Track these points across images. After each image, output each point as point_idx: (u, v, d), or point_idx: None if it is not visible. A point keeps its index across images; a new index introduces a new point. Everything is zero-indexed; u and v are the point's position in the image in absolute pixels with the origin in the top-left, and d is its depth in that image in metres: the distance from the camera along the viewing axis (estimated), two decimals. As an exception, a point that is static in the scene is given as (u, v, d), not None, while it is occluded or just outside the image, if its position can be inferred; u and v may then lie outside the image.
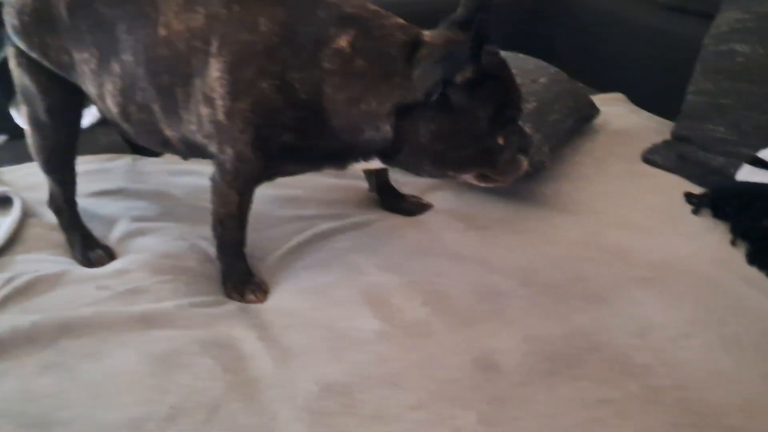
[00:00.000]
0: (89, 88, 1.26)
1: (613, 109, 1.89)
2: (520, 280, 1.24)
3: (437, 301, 1.19)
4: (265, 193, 1.29)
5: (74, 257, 1.33)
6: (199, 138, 1.20)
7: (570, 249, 1.34)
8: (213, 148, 1.19)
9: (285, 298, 1.22)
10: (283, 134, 1.14)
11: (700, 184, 1.53)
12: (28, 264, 1.28)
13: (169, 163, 1.64)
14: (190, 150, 1.26)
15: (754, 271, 1.26)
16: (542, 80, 1.61)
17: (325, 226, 1.40)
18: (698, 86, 1.65)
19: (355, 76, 1.10)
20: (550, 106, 1.55)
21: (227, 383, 1.02)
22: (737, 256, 1.30)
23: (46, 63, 1.26)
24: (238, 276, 1.24)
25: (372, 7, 1.17)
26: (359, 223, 1.42)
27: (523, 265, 1.28)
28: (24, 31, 1.24)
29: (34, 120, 1.30)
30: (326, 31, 1.11)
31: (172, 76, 1.16)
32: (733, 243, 1.33)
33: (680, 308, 1.17)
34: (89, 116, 1.44)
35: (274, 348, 1.09)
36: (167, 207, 1.48)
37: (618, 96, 2.00)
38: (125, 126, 1.27)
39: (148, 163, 1.64)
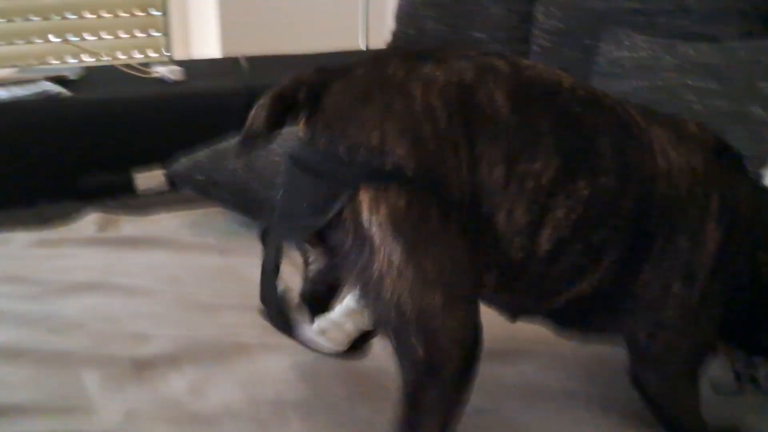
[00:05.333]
0: (505, 215, 0.78)
1: None
2: None
3: None
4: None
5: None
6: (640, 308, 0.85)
7: None
8: (642, 332, 0.87)
9: None
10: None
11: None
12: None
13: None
14: (567, 318, 0.90)
15: None
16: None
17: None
18: None
19: None
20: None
21: None
22: None
23: (459, 193, 0.76)
24: None
25: None
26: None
27: None
28: (437, 149, 0.74)
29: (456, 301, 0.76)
30: None
31: (659, 220, 0.84)
32: None
33: None
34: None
35: None
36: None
37: None
38: (534, 267, 0.80)
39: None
